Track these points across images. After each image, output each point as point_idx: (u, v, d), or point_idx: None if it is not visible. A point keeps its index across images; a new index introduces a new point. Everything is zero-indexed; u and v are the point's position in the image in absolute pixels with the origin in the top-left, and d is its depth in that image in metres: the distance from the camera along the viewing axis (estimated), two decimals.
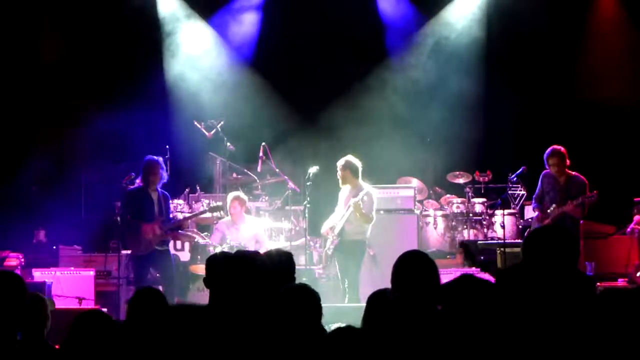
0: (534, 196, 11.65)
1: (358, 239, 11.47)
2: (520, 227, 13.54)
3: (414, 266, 4.59)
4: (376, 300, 4.86)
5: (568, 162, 11.35)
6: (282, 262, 4.83)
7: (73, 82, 14.81)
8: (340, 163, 11.48)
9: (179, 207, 12.77)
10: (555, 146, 11.38)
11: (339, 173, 11.46)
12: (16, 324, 4.78)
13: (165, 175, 11.21)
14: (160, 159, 11.28)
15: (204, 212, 12.06)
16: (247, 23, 15.90)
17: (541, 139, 12.88)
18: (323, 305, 4.83)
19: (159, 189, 11.17)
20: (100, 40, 14.96)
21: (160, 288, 10.97)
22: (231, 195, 12.50)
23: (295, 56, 15.74)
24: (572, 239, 4.48)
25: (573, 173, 11.39)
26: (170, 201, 11.74)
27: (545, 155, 11.38)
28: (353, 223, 11.40)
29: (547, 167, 11.44)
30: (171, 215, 11.54)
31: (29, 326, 5.28)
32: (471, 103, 15.24)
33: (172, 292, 10.90)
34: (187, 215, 12.17)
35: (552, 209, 11.26)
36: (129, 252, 12.09)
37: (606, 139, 14.70)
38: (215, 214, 12.21)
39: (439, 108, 15.13)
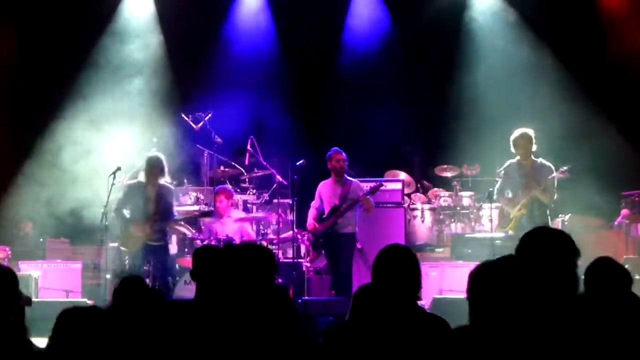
0: (496, 190, 11.54)
1: (350, 232, 11.53)
2: None
3: (394, 260, 4.58)
4: (363, 294, 4.87)
5: (534, 147, 11.21)
6: (262, 256, 4.81)
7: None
8: (342, 155, 11.51)
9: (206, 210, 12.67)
10: (522, 129, 11.23)
11: (345, 164, 11.51)
12: (8, 316, 4.74)
13: (165, 173, 11.16)
14: (162, 157, 11.22)
15: (194, 215, 12.04)
16: (241, 16, 15.86)
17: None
18: (311, 298, 4.83)
19: (162, 184, 11.12)
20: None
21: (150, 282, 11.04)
22: (217, 188, 12.52)
23: (289, 52, 15.73)
24: (570, 242, 4.41)
25: (539, 160, 11.27)
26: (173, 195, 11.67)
27: (512, 138, 11.20)
28: (346, 216, 11.46)
29: (513, 150, 11.26)
30: (174, 210, 11.45)
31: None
32: (459, 96, 15.24)
33: (162, 287, 10.87)
34: (178, 217, 12.06)
35: (519, 194, 11.18)
36: (115, 244, 12.03)
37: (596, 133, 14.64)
38: (205, 219, 12.23)
39: (426, 102, 15.15)
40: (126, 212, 11.07)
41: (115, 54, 14.58)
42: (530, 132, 11.20)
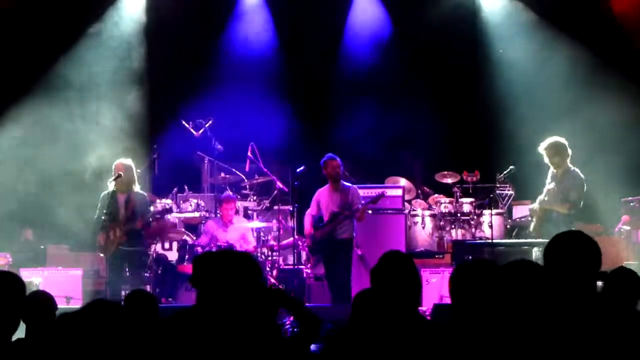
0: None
1: (347, 237, 11.52)
2: (508, 226, 13.55)
3: (392, 267, 4.59)
4: (362, 299, 4.87)
5: (568, 153, 10.99)
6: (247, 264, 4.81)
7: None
8: (337, 161, 11.49)
9: (166, 207, 12.72)
10: (552, 138, 11.08)
11: (340, 170, 11.49)
12: (14, 323, 4.74)
13: (135, 178, 11.27)
14: (130, 161, 11.33)
15: (156, 212, 12.11)
16: (241, 22, 15.87)
17: (530, 138, 12.89)
18: (311, 305, 4.84)
19: (135, 190, 11.23)
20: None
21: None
22: (226, 196, 12.54)
23: (289, 58, 15.75)
24: (594, 248, 4.37)
25: (572, 168, 11.11)
26: (149, 201, 11.73)
27: (539, 149, 11.10)
28: (342, 222, 11.45)
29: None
30: (149, 216, 11.50)
31: (36, 323, 5.36)
32: (460, 101, 15.25)
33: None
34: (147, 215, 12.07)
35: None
36: None
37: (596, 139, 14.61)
38: (208, 224, 12.32)
39: (426, 107, 15.15)
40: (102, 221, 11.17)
41: (114, 60, 14.58)
42: (555, 140, 11.00)
